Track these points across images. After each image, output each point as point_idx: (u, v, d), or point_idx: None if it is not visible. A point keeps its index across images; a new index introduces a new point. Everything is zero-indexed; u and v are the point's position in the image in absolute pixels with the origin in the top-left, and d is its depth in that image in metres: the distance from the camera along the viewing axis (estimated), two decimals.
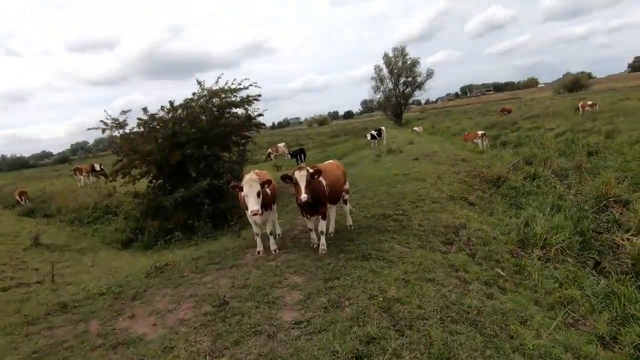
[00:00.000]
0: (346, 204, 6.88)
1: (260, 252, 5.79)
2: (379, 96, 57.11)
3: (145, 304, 4.14)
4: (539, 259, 6.02)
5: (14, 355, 3.47)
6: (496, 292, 4.67)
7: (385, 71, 55.66)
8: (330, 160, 7.18)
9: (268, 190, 5.78)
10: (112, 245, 9.42)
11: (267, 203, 5.57)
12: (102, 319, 3.97)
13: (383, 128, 23.07)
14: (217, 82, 10.83)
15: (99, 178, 20.87)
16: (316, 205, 5.39)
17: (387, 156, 15.63)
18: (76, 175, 21.15)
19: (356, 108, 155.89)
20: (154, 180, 9.85)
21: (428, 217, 7.22)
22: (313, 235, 5.97)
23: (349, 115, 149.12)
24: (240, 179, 6.57)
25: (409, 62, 54.32)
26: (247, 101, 10.72)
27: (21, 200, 16.80)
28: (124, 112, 9.98)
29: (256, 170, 6.16)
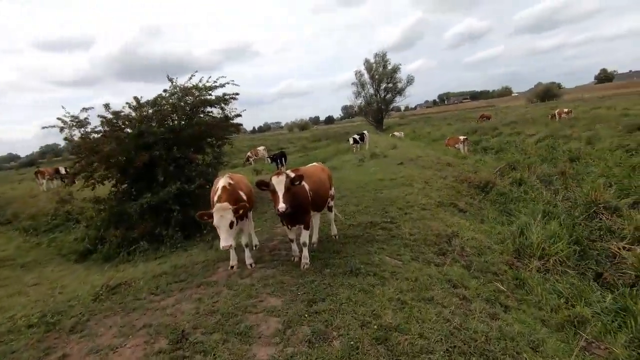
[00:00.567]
0: (331, 211, 6.29)
1: (234, 267, 5.08)
2: (359, 101, 57.29)
3: (84, 339, 3.33)
4: (537, 270, 5.60)
5: None
6: (500, 311, 4.17)
7: (366, 76, 55.93)
8: (314, 163, 6.59)
9: (244, 196, 5.09)
10: (68, 257, 8.40)
11: (242, 212, 4.89)
12: None
13: (366, 132, 22.69)
14: (190, 79, 10.05)
15: (65, 182, 19.36)
16: (298, 213, 4.74)
17: (370, 160, 15.18)
18: (38, 179, 19.55)
19: (337, 114, 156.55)
20: (118, 185, 8.90)
21: (418, 225, 6.71)
22: (294, 247, 5.31)
23: (330, 120, 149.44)
24: (213, 182, 5.89)
25: (389, 68, 54.78)
26: (223, 100, 9.96)
27: None
28: (84, 110, 9.01)
29: (230, 174, 5.46)
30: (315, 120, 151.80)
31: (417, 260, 5.28)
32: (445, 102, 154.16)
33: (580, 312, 4.14)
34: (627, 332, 3.88)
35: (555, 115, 25.73)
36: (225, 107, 10.21)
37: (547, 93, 66.03)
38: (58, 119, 8.72)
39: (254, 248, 6.27)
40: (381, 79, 55.29)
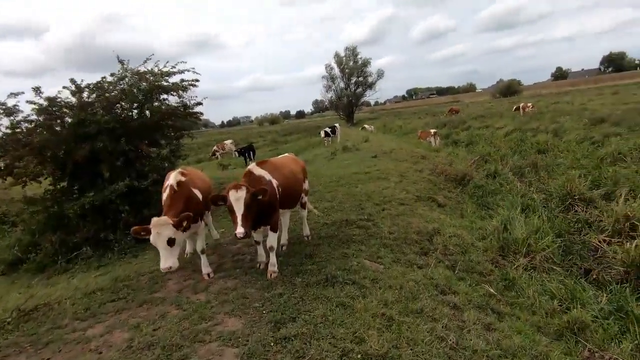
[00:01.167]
0: (304, 208, 5.59)
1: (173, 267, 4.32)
2: (330, 95, 56.81)
3: None
4: (524, 268, 5.24)
5: None
6: (494, 320, 3.68)
7: (336, 70, 55.45)
8: (286, 154, 5.84)
9: (199, 194, 4.29)
10: None
11: (196, 213, 4.10)
12: None
13: (337, 125, 22.12)
14: (144, 62, 8.94)
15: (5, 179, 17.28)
16: (263, 213, 4.01)
17: (343, 154, 14.62)
18: None
19: (308, 108, 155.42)
20: (55, 183, 7.70)
21: (397, 222, 6.19)
22: (260, 250, 4.58)
23: (300, 115, 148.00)
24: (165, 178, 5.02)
25: (360, 62, 54.60)
26: (182, 87, 8.92)
27: None
28: (13, 95, 7.69)
29: (183, 168, 4.62)
30: (286, 115, 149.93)
31: (399, 263, 4.73)
32: (414, 97, 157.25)
33: (579, 317, 3.74)
34: (630, 338, 3.51)
35: (519, 108, 26.46)
36: (184, 95, 9.20)
37: (509, 89, 68.59)
38: None
39: (215, 241, 5.52)
40: (352, 72, 55.04)
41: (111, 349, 2.81)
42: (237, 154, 18.47)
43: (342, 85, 55.78)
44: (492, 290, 4.42)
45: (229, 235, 6.13)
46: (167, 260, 3.46)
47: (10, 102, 7.50)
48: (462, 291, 4.15)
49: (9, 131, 7.34)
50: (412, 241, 5.56)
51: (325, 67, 55.74)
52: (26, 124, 7.48)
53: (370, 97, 59.43)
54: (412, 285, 3.92)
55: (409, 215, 6.59)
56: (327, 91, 56.67)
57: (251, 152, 17.93)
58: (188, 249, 5.49)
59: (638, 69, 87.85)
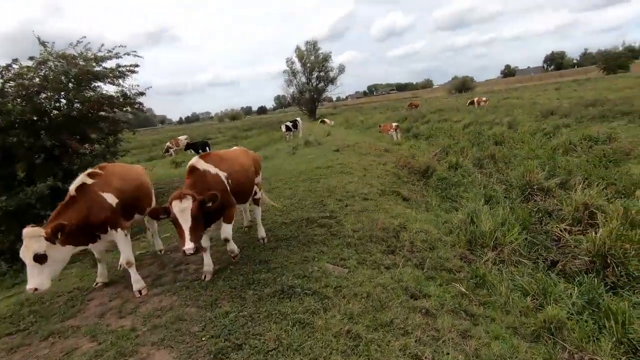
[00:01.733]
0: (258, 205, 5.03)
1: (99, 283, 3.75)
2: (292, 90, 55.93)
3: None
4: (493, 262, 5.01)
5: None
6: (470, 326, 3.33)
7: (298, 64, 54.64)
8: (235, 147, 5.27)
9: (112, 199, 3.51)
10: None
11: (105, 223, 3.42)
12: None
13: (299, 119, 21.51)
14: (75, 45, 7.80)
15: None
16: (213, 212, 3.56)
17: (305, 148, 14.06)
18: None
19: (270, 104, 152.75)
20: None
21: (361, 218, 5.75)
22: (207, 259, 3.93)
23: (262, 110, 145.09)
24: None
25: (321, 57, 54.16)
26: (119, 73, 7.89)
27: None
28: None
29: (98, 167, 3.79)
30: (247, 111, 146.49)
31: (364, 264, 4.28)
32: (374, 93, 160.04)
33: (555, 315, 3.49)
34: (608, 336, 3.30)
35: (474, 102, 27.42)
36: (123, 83, 8.15)
37: (464, 85, 71.78)
38: None
39: (160, 252, 4.82)
40: (313, 67, 54.47)
41: None
42: (191, 151, 17.10)
43: (303, 79, 55.09)
44: (463, 290, 4.09)
45: (175, 240, 5.37)
46: (33, 279, 2.82)
47: None
48: (433, 293, 3.77)
49: None
50: (378, 239, 5.15)
51: (286, 61, 54.73)
52: None
53: (332, 92, 59.19)
54: (380, 292, 3.47)
55: (373, 210, 6.18)
56: (288, 86, 55.72)
57: (207, 148, 16.83)
58: (122, 260, 4.70)
59: (576, 67, 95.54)
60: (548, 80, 64.32)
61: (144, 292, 3.59)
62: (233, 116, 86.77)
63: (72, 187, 3.27)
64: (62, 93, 7.17)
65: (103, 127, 7.66)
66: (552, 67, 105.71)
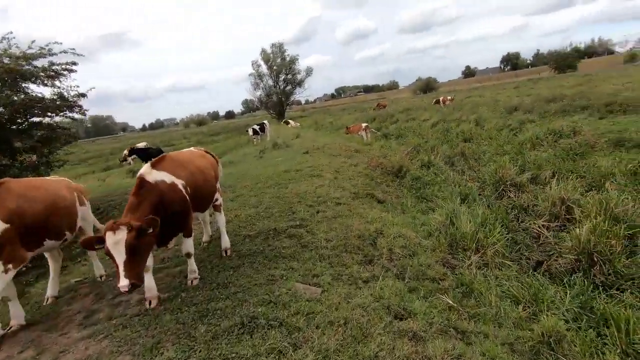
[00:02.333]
0: (220, 212, 4.57)
1: (14, 326, 2.93)
2: (259, 93, 54.98)
3: None
4: (477, 267, 4.66)
5: None
6: (463, 349, 2.88)
7: (264, 67, 53.84)
8: (191, 148, 4.65)
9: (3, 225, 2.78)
10: None
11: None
12: None
13: (266, 122, 20.80)
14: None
15: None
16: (170, 227, 3.25)
17: (272, 151, 13.43)
18: None
19: (238, 108, 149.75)
20: None
21: (335, 225, 5.23)
22: (149, 282, 3.28)
23: (230, 115, 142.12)
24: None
25: (287, 59, 53.64)
26: (53, 73, 6.93)
27: None
28: None
29: (7, 181, 3.02)
30: (214, 116, 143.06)
31: (340, 280, 3.76)
32: (342, 95, 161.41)
33: (552, 327, 3.12)
34: (612, 347, 2.97)
35: (439, 101, 27.91)
36: (60, 84, 7.18)
37: (428, 86, 73.98)
38: None
39: (100, 278, 4.11)
40: (280, 70, 53.84)
41: None
42: (142, 160, 15.15)
43: (270, 82, 54.38)
44: (450, 302, 3.67)
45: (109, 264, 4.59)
46: None
47: None
48: (419, 310, 3.31)
49: None
50: (354, 248, 4.65)
51: (252, 64, 53.80)
52: None
53: (301, 95, 58.88)
54: (360, 315, 2.95)
55: (347, 216, 5.69)
56: (255, 89, 54.80)
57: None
58: (49, 292, 3.89)
59: (530, 67, 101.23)
60: (505, 79, 67.42)
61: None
62: (199, 121, 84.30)
63: None
64: None
65: (33, 135, 6.64)
66: (509, 67, 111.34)
